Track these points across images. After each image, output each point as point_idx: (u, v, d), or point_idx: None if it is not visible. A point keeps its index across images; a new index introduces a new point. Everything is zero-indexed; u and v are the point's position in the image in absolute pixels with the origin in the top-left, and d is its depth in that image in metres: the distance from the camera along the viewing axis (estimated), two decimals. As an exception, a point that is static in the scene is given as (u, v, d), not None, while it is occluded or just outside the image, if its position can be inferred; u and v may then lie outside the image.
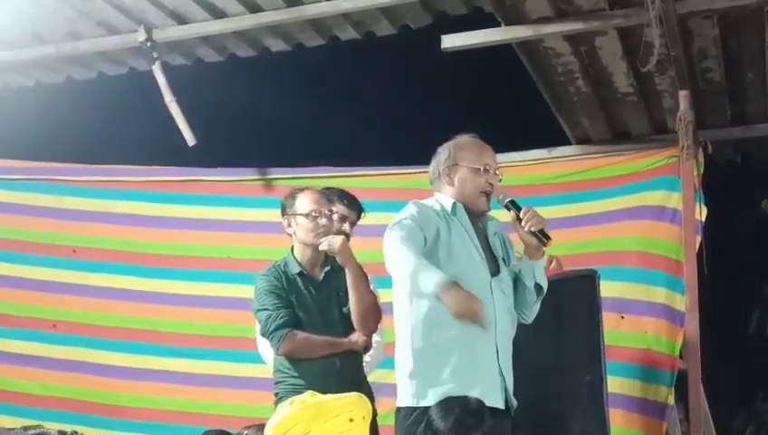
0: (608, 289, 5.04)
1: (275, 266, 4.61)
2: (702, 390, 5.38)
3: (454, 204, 4.01)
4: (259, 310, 4.53)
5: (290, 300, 4.47)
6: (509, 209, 4.01)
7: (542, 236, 3.93)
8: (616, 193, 5.79)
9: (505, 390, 3.90)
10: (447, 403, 3.75)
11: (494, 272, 3.98)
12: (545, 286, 4.08)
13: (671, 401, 5.44)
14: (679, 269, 5.52)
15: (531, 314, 4.11)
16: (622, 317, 5.59)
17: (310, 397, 3.11)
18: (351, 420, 3.00)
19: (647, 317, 5.59)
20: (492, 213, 4.16)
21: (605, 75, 6.10)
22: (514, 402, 3.93)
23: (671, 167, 5.63)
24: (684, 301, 5.46)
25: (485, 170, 4.04)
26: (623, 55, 5.79)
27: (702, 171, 5.67)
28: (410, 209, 3.98)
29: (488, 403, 3.80)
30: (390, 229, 3.92)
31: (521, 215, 3.95)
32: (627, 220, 5.74)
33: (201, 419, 5.83)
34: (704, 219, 5.60)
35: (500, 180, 4.11)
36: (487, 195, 4.04)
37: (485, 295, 3.88)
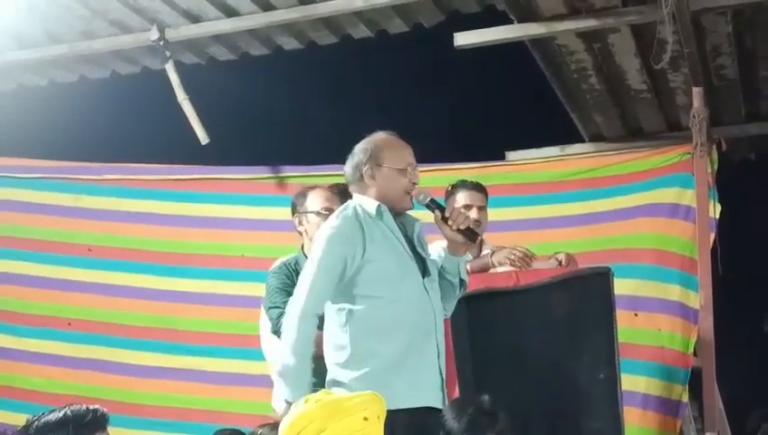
0: (622, 287, 5.03)
1: (286, 264, 4.62)
2: (716, 387, 5.37)
3: (378, 207, 3.92)
4: (270, 308, 4.55)
5: None
6: (431, 209, 3.96)
7: (471, 234, 3.91)
8: (629, 190, 5.77)
9: (442, 390, 3.87)
10: (460, 403, 3.76)
11: (424, 272, 3.94)
12: (467, 280, 4.07)
13: (685, 398, 5.43)
14: (693, 267, 5.51)
15: (449, 310, 4.09)
16: (636, 315, 5.57)
17: (324, 395, 3.10)
18: (366, 419, 2.98)
19: (661, 315, 5.58)
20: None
21: (618, 72, 6.09)
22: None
23: (685, 164, 5.62)
24: (698, 298, 5.44)
25: (409, 169, 3.96)
26: (636, 52, 5.78)
27: (716, 168, 5.65)
28: (337, 230, 3.87)
29: (429, 404, 3.80)
30: (320, 240, 3.87)
31: (447, 214, 3.91)
32: (640, 218, 5.72)
33: (216, 416, 5.85)
34: (718, 217, 5.59)
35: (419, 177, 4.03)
36: (410, 193, 3.97)
37: (422, 297, 3.88)
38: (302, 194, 4.70)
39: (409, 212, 4.04)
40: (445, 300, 4.03)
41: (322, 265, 3.83)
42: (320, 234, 3.93)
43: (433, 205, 3.96)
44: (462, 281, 4.03)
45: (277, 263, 4.80)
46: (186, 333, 6.23)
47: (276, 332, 4.56)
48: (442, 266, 4.01)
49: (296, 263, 4.60)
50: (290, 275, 4.55)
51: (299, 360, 3.74)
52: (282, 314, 4.46)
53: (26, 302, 6.52)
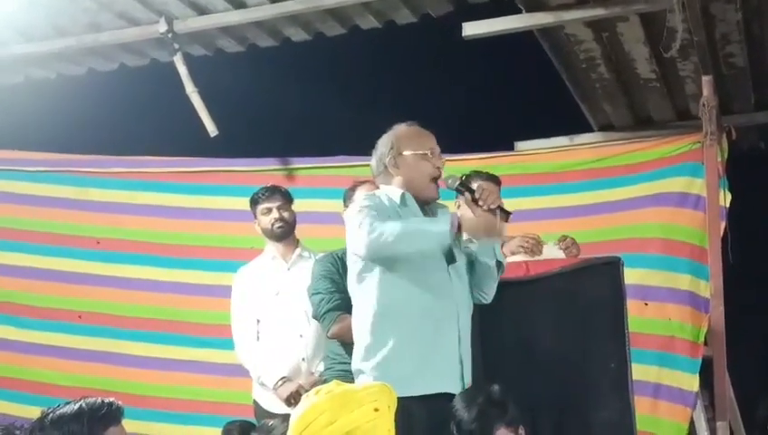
0: (631, 276, 5.01)
1: (333, 254, 4.69)
2: (727, 376, 5.36)
3: (402, 194, 3.95)
4: (313, 294, 4.64)
5: (344, 285, 4.50)
6: (460, 192, 3.98)
7: (502, 213, 3.89)
8: (639, 180, 5.77)
9: (462, 377, 3.89)
10: (470, 393, 3.75)
11: (450, 259, 3.94)
12: (504, 262, 4.08)
13: (696, 387, 5.42)
14: (703, 256, 5.50)
15: (490, 294, 4.08)
16: (646, 304, 5.57)
17: (335, 386, 3.10)
18: (376, 410, 2.98)
19: (671, 304, 5.57)
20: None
21: (627, 61, 6.07)
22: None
23: (695, 153, 5.61)
24: (708, 287, 5.44)
25: (431, 154, 3.99)
26: (645, 41, 5.76)
27: (726, 157, 5.64)
28: (368, 200, 3.91)
29: (447, 390, 3.81)
30: (357, 215, 3.85)
31: (476, 195, 3.89)
32: (650, 207, 5.72)
33: (225, 408, 5.85)
34: (728, 205, 5.57)
35: (444, 163, 4.05)
36: (435, 181, 4.00)
37: (446, 284, 3.89)
38: (352, 188, 4.74)
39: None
40: (482, 285, 4.05)
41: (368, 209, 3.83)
42: (354, 208, 3.92)
43: (462, 187, 3.97)
44: (499, 263, 4.03)
45: (323, 254, 4.86)
46: (195, 325, 6.25)
47: (316, 317, 4.65)
48: (477, 250, 4.01)
49: (343, 253, 4.62)
50: (334, 263, 4.62)
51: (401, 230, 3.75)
52: (322, 299, 4.51)
53: (35, 294, 6.53)
